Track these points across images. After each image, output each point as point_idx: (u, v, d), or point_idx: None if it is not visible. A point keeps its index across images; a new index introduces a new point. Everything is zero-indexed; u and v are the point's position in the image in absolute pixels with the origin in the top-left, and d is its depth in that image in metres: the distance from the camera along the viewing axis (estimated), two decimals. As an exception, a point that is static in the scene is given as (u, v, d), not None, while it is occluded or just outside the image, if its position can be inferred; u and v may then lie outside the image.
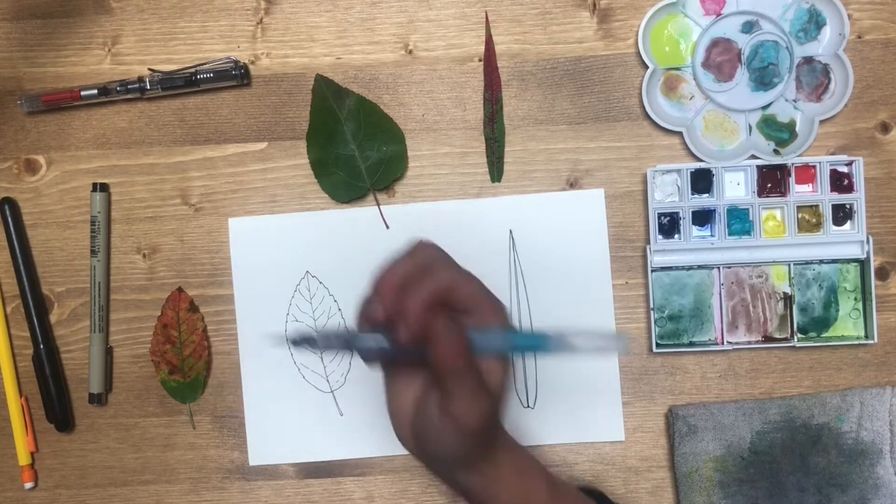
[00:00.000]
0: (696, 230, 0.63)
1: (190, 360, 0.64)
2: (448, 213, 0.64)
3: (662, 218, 0.63)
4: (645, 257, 0.63)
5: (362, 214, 0.64)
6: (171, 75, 0.63)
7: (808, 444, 0.61)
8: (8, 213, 0.64)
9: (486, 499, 0.48)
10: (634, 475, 0.63)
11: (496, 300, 0.45)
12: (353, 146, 0.63)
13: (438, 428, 0.45)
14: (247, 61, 0.64)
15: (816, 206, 0.62)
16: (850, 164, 0.62)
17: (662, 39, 0.63)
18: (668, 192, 0.63)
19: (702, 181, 0.62)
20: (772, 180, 0.63)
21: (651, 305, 0.62)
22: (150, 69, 0.64)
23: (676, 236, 0.62)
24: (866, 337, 0.62)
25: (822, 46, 0.62)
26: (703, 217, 0.63)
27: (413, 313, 0.43)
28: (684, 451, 0.62)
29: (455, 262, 0.46)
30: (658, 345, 0.63)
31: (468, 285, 0.45)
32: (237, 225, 0.64)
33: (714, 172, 0.62)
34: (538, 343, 0.45)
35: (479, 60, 0.64)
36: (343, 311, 0.64)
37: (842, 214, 0.62)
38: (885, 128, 0.63)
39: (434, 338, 0.42)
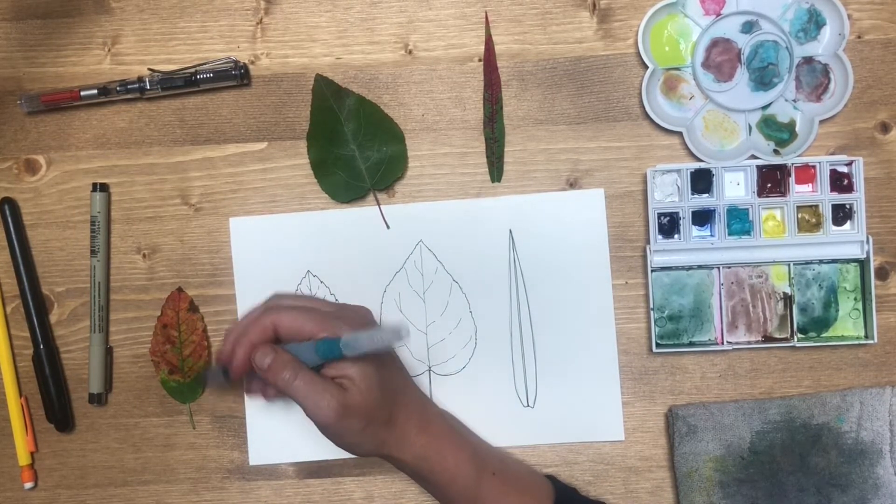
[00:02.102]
0: (695, 230, 0.63)
1: (190, 360, 0.64)
2: (448, 213, 0.64)
3: (662, 218, 0.63)
4: (645, 257, 0.63)
5: (362, 214, 0.64)
6: (171, 75, 0.63)
7: (808, 444, 0.61)
8: (8, 213, 0.64)
9: (413, 478, 0.57)
10: (634, 475, 0.63)
11: (337, 323, 0.52)
12: (353, 146, 0.63)
13: (324, 433, 0.54)
14: (247, 61, 0.64)
15: (816, 206, 0.62)
16: (850, 164, 0.62)
17: (662, 39, 0.63)
18: (668, 192, 0.63)
19: (702, 181, 0.62)
20: (772, 180, 0.63)
21: (651, 305, 0.62)
22: (150, 69, 0.64)
23: (676, 236, 0.62)
24: (866, 337, 0.62)
25: (822, 46, 0.62)
26: (702, 217, 0.63)
27: (239, 350, 0.53)
28: (684, 451, 0.62)
29: (297, 299, 0.56)
30: (658, 345, 0.63)
31: (289, 319, 0.53)
32: (238, 225, 0.64)
33: (714, 172, 0.62)
34: (332, 349, 0.51)
35: (479, 60, 0.64)
36: (343, 311, 0.64)
37: (842, 214, 0.62)
38: (885, 128, 0.63)
39: (255, 366, 0.52)
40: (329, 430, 0.53)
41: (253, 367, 0.53)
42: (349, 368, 0.52)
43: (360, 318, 0.56)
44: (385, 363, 0.55)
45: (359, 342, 0.51)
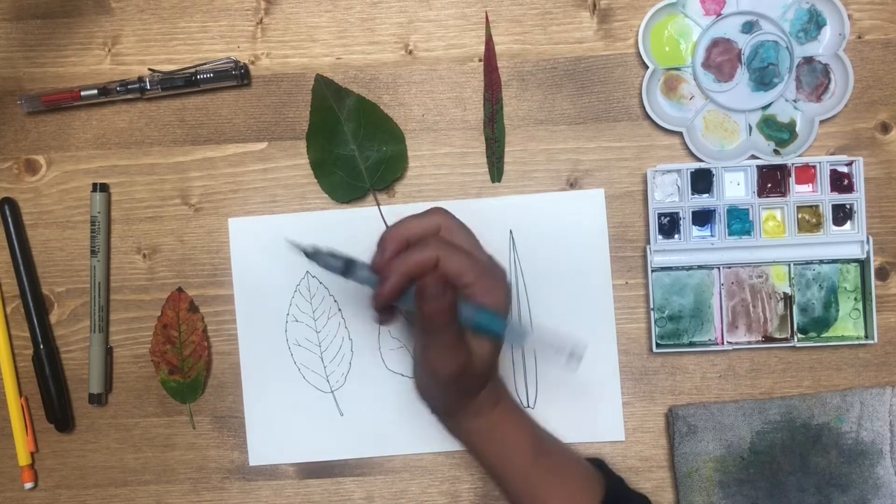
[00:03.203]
0: (696, 230, 0.63)
1: (190, 361, 0.64)
2: (448, 213, 0.64)
3: (662, 218, 0.63)
4: (645, 257, 0.63)
5: (362, 214, 0.64)
6: (171, 75, 0.63)
7: (808, 444, 0.62)
8: (8, 213, 0.64)
9: (470, 450, 0.56)
10: (634, 475, 0.63)
11: (492, 280, 0.49)
12: (353, 146, 0.63)
13: (419, 374, 0.52)
14: (247, 61, 0.64)
15: (816, 206, 0.62)
16: (850, 164, 0.62)
17: (662, 39, 0.63)
18: (668, 192, 0.63)
19: (702, 181, 0.62)
20: (772, 180, 0.63)
21: (651, 305, 0.62)
22: (150, 69, 0.64)
23: (676, 236, 0.62)
24: (866, 337, 0.62)
25: (822, 46, 0.62)
26: (703, 217, 0.63)
27: (394, 274, 0.49)
28: (684, 451, 0.62)
29: (462, 233, 0.51)
30: (658, 345, 0.63)
31: (456, 261, 0.49)
32: (237, 225, 0.64)
33: (714, 172, 0.62)
34: (495, 327, 0.49)
35: (479, 60, 0.64)
36: (343, 311, 0.64)
37: (842, 214, 0.62)
38: (885, 128, 0.63)
39: (421, 294, 0.48)
40: (433, 381, 0.51)
41: (416, 293, 0.48)
42: (484, 338, 0.51)
43: (506, 287, 0.51)
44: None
45: (527, 339, 0.50)
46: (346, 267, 0.51)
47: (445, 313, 0.48)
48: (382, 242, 0.51)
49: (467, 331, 0.50)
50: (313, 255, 0.52)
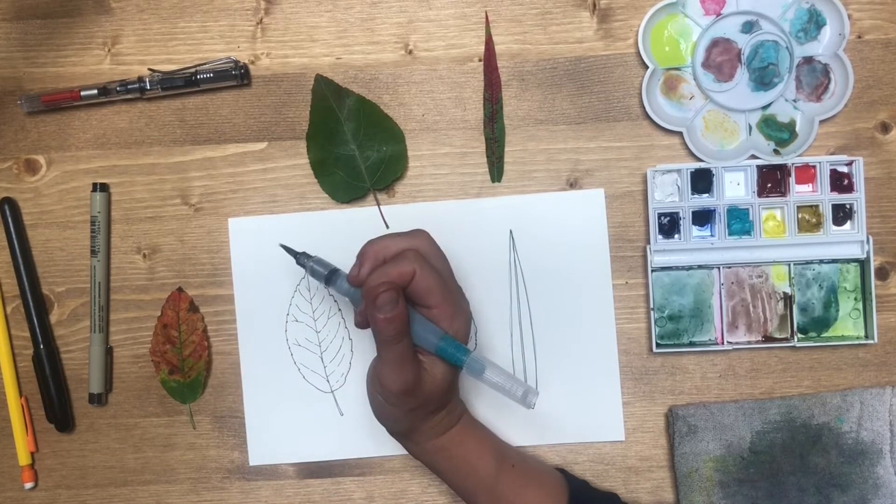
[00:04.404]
0: (696, 230, 0.63)
1: (190, 361, 0.64)
2: (448, 213, 0.64)
3: (662, 218, 0.63)
4: (645, 257, 0.63)
5: (362, 214, 0.64)
6: (171, 75, 0.63)
7: (808, 444, 0.62)
8: (8, 213, 0.64)
9: (433, 468, 0.57)
10: (634, 475, 0.63)
11: (456, 308, 0.52)
12: (353, 146, 0.63)
13: (372, 391, 0.54)
14: (247, 61, 0.64)
15: (816, 206, 0.62)
16: (850, 164, 0.62)
17: (662, 39, 0.63)
18: (668, 192, 0.63)
19: (702, 181, 0.62)
20: (772, 180, 0.63)
21: (651, 305, 0.62)
22: (150, 69, 0.64)
23: (676, 236, 0.62)
24: (866, 337, 0.62)
25: (822, 46, 0.62)
26: (703, 217, 0.63)
27: (369, 286, 0.50)
28: (684, 451, 0.62)
29: (439, 258, 0.53)
30: (658, 345, 0.63)
31: (429, 279, 0.51)
32: (237, 225, 0.64)
33: (714, 172, 0.62)
34: (456, 355, 0.51)
35: (479, 60, 0.64)
36: (343, 312, 0.64)
37: (842, 214, 0.62)
38: (885, 128, 0.63)
39: (374, 304, 0.49)
40: (382, 396, 0.53)
41: (368, 300, 0.50)
42: (440, 362, 0.53)
43: (467, 318, 0.54)
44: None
45: (484, 374, 0.52)
46: (329, 276, 0.54)
47: (394, 324, 0.50)
48: (361, 256, 0.52)
49: (424, 352, 0.52)
50: (302, 260, 0.55)
